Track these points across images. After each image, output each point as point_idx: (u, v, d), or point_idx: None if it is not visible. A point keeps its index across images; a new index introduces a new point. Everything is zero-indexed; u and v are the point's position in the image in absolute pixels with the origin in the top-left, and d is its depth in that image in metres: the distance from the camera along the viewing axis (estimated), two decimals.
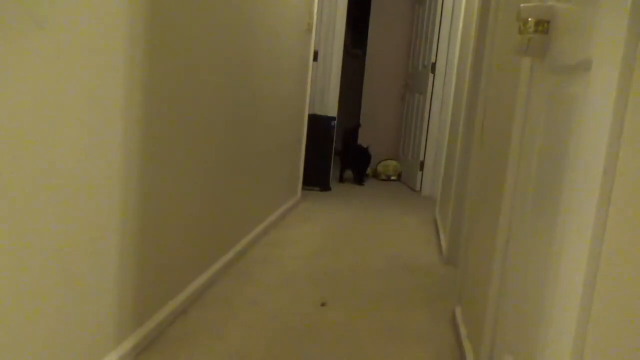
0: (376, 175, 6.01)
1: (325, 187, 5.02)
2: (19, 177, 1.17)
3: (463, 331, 2.06)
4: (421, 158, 5.36)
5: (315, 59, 4.71)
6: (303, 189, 4.59)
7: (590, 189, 0.87)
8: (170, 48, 1.81)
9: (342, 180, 5.60)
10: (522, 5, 1.26)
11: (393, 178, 6.04)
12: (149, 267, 1.83)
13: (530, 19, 1.23)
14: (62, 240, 1.33)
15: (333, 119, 5.02)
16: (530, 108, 1.38)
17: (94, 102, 1.40)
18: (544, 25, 1.22)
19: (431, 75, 5.16)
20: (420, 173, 5.39)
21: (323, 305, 2.34)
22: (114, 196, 1.55)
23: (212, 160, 2.33)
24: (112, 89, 1.48)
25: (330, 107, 5.29)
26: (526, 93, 1.39)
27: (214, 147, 2.33)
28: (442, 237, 3.52)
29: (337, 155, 6.39)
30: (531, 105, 1.37)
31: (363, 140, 6.39)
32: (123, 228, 1.62)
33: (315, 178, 4.92)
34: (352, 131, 5.82)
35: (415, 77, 5.71)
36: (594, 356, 0.81)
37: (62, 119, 1.28)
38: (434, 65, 5.13)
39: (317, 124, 4.82)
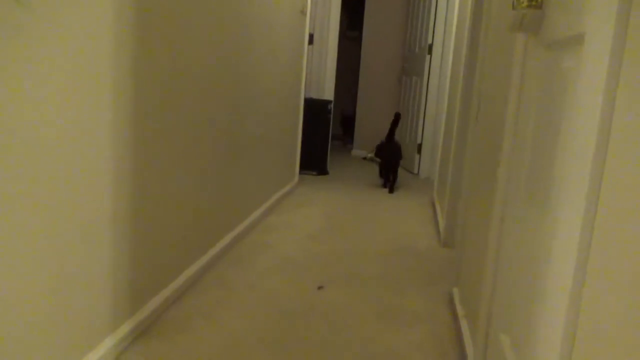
0: (373, 159, 5.99)
1: (322, 171, 5.01)
2: (4, 164, 1.15)
3: (460, 311, 2.07)
4: (418, 140, 5.34)
5: (311, 42, 4.67)
6: (300, 173, 4.58)
7: (582, 165, 0.86)
8: (163, 31, 1.79)
9: (386, 185, 4.68)
10: None
11: None
12: (144, 253, 1.82)
13: None
14: (52, 227, 1.32)
15: (329, 102, 4.99)
16: (525, 85, 1.36)
17: (82, 82, 1.38)
18: (537, 0, 1.20)
19: (428, 57, 5.12)
20: (417, 155, 5.38)
21: (320, 288, 2.35)
22: (105, 182, 1.54)
23: (207, 144, 2.31)
24: (102, 71, 1.46)
25: (327, 91, 5.26)
26: (520, 70, 1.38)
27: (209, 131, 2.31)
28: (439, 219, 3.52)
29: (337, 139, 6.37)
30: (525, 82, 1.36)
31: (364, 124, 6.37)
32: (115, 214, 1.61)
33: (313, 162, 4.91)
34: (394, 123, 4.63)
35: (412, 59, 5.67)
36: (586, 334, 0.80)
37: (48, 101, 1.26)
38: (430, 47, 5.09)
39: (314, 107, 4.80)
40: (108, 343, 1.62)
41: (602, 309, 0.75)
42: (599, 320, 0.76)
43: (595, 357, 0.76)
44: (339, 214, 3.71)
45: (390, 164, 4.58)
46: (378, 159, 4.59)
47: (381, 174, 4.76)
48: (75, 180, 1.39)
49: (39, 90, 1.22)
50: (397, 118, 4.62)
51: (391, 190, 4.50)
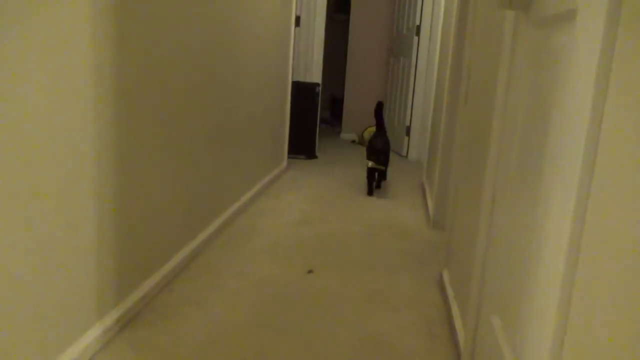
0: (362, 142, 5.97)
1: (310, 155, 4.98)
2: None
3: (450, 293, 2.07)
4: (407, 123, 5.32)
5: (297, 24, 4.61)
6: (288, 157, 4.55)
7: (575, 144, 0.84)
8: (146, 13, 1.73)
9: (372, 185, 3.91)
10: None
11: None
12: (129, 240, 1.79)
13: None
14: (32, 215, 1.28)
15: (317, 85, 4.95)
16: (515, 64, 1.34)
17: (62, 68, 1.33)
18: None
19: (415, 38, 5.08)
20: (406, 138, 5.36)
21: (309, 272, 2.33)
22: (88, 167, 1.50)
23: (194, 128, 2.27)
24: (82, 50, 1.41)
25: (314, 74, 5.21)
26: (510, 48, 1.35)
27: (195, 116, 2.27)
28: (429, 201, 3.51)
29: (326, 123, 6.33)
30: (515, 61, 1.33)
31: (352, 107, 6.33)
32: (99, 200, 1.57)
33: (301, 146, 4.88)
34: (378, 111, 4.07)
35: (400, 41, 5.62)
36: (578, 315, 0.79)
37: (28, 89, 1.22)
38: (418, 28, 5.05)
39: (301, 91, 4.75)
40: (94, 332, 1.60)
41: (596, 287, 0.74)
42: (592, 301, 0.75)
43: (588, 338, 0.75)
44: (328, 197, 3.70)
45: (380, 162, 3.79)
46: (380, 166, 3.80)
47: (370, 179, 3.90)
48: (57, 165, 1.35)
49: (18, 77, 1.18)
50: (379, 107, 4.06)
51: (378, 186, 4.01)
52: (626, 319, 0.64)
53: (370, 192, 3.86)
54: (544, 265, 0.99)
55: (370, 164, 3.77)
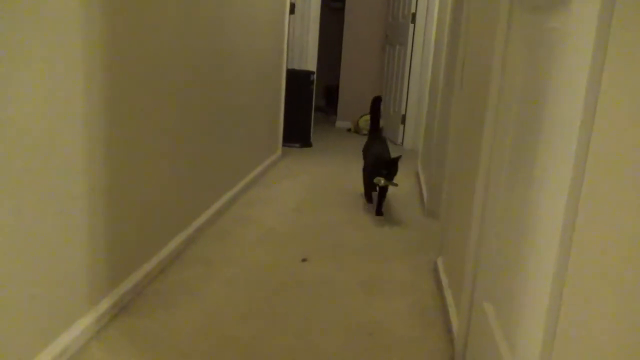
0: (357, 130, 5.95)
1: (305, 143, 4.97)
2: None
3: (444, 281, 2.07)
4: (402, 111, 5.31)
5: (292, 11, 4.57)
6: (283, 145, 4.53)
7: (570, 129, 0.83)
8: (139, 1, 1.71)
9: (372, 200, 3.23)
10: None
11: None
12: (122, 227, 1.78)
13: None
14: (21, 200, 1.27)
15: (312, 73, 4.92)
16: (510, 49, 1.33)
17: (54, 52, 1.31)
18: None
19: (411, 26, 5.04)
20: (401, 126, 5.35)
21: (304, 260, 2.33)
22: (80, 154, 1.48)
23: (187, 117, 2.25)
24: (73, 34, 1.39)
25: (309, 62, 5.17)
26: (505, 33, 1.34)
27: (188, 104, 2.25)
28: (423, 189, 3.51)
29: (321, 111, 6.30)
30: (510, 46, 1.32)
31: (347, 95, 6.30)
32: (91, 187, 1.56)
33: (296, 134, 4.85)
34: (375, 107, 3.40)
35: (395, 28, 5.59)
36: (571, 301, 0.79)
37: (20, 76, 1.20)
38: (414, 15, 5.01)
39: (296, 78, 4.72)
40: (86, 320, 1.59)
41: (587, 276, 0.73)
42: (585, 287, 0.74)
43: (581, 324, 0.74)
44: (322, 186, 3.69)
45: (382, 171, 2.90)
46: (393, 182, 2.93)
47: (367, 191, 3.24)
48: (47, 152, 1.34)
49: (11, 63, 1.16)
50: (376, 103, 3.39)
51: (379, 212, 3.06)
52: (618, 306, 0.63)
53: (369, 200, 3.22)
54: (536, 252, 0.98)
55: (382, 181, 2.86)
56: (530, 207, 1.05)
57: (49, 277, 1.41)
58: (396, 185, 2.95)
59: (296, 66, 5.05)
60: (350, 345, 1.71)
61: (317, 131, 5.56)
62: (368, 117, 5.96)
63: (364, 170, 3.23)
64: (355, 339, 1.74)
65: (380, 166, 2.92)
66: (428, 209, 3.11)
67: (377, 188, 3.00)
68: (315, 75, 4.95)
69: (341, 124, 6.31)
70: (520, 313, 1.06)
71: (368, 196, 3.26)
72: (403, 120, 5.33)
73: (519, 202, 1.14)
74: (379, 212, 3.06)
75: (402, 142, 5.36)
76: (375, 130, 3.43)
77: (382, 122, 5.90)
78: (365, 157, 3.30)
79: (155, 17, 1.88)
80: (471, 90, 1.87)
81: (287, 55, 4.42)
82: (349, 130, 6.15)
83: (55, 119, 1.36)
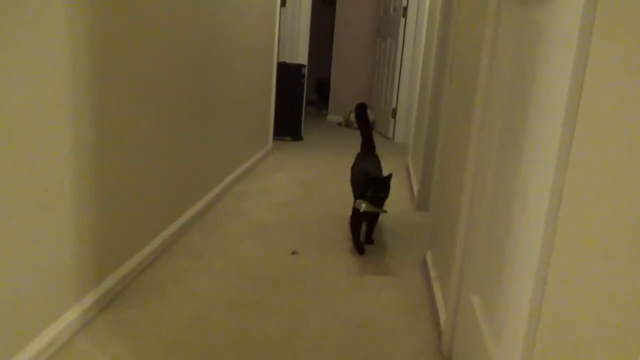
0: (348, 124, 5.95)
1: (296, 136, 4.96)
2: None
3: (432, 274, 2.08)
4: (393, 105, 5.31)
5: (283, 3, 4.55)
6: (274, 139, 4.52)
7: (555, 121, 0.84)
8: None
9: (358, 241, 2.42)
10: None
11: None
12: (110, 220, 1.77)
13: None
14: (5, 193, 1.26)
15: (303, 66, 4.90)
16: (498, 42, 1.33)
17: (39, 41, 1.30)
18: None
19: (402, 19, 5.04)
20: (392, 120, 5.35)
21: (293, 253, 2.33)
22: (66, 146, 1.47)
23: (179, 109, 2.23)
24: (58, 24, 1.38)
25: (300, 55, 5.15)
26: (493, 25, 1.34)
27: (178, 96, 2.24)
28: (413, 183, 3.52)
29: (311, 104, 6.29)
30: (499, 38, 1.32)
31: (339, 89, 6.29)
32: (77, 180, 1.55)
33: (287, 128, 4.84)
34: (361, 116, 2.78)
35: (387, 22, 5.58)
36: (555, 291, 0.79)
37: (5, 66, 1.19)
38: (405, 9, 5.01)
39: (287, 72, 4.70)
40: (73, 313, 1.58)
41: (570, 267, 0.74)
42: (569, 277, 0.75)
43: (563, 316, 0.75)
44: (313, 179, 3.69)
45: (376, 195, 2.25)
46: (381, 209, 2.30)
47: (354, 227, 2.42)
48: (35, 144, 1.33)
49: None
50: (362, 111, 2.76)
51: (369, 239, 2.49)
52: (600, 298, 0.64)
53: (359, 250, 2.38)
54: (521, 244, 0.99)
55: (364, 205, 2.22)
56: (516, 200, 1.06)
57: (35, 270, 1.40)
58: (385, 212, 2.32)
59: (287, 59, 5.03)
60: (339, 336, 1.71)
61: (308, 125, 5.55)
62: None
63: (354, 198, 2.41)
64: (344, 330, 1.75)
65: (365, 185, 2.25)
66: (418, 202, 3.12)
67: (364, 214, 2.30)
68: (306, 69, 4.94)
69: (332, 117, 6.31)
70: (505, 304, 1.07)
71: (355, 236, 2.41)
72: (394, 114, 5.33)
73: (505, 195, 1.15)
74: (367, 241, 2.45)
75: (393, 136, 5.37)
76: (367, 145, 2.72)
77: (372, 116, 5.89)
78: (352, 181, 2.59)
79: (145, 8, 1.86)
80: (460, 84, 1.87)
81: (278, 48, 4.40)
82: (340, 124, 6.14)
83: (43, 110, 1.35)
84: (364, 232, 2.50)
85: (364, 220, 2.47)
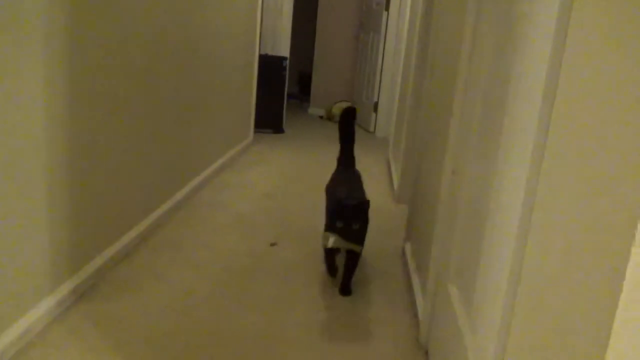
0: (330, 117, 5.95)
1: (278, 129, 4.94)
2: None
3: (411, 265, 2.09)
4: (375, 99, 5.32)
5: None
6: (255, 131, 4.50)
7: (531, 113, 0.85)
8: None
9: (332, 269, 2.05)
10: None
11: None
12: (85, 210, 1.75)
13: None
14: None
15: (284, 59, 4.88)
16: (478, 35, 1.33)
17: (11, 40, 1.27)
18: None
19: (385, 13, 5.04)
20: (374, 114, 5.36)
21: (273, 244, 2.32)
22: (39, 136, 1.44)
23: (156, 99, 2.21)
24: (33, 25, 1.35)
25: (282, 47, 5.13)
26: (474, 19, 1.35)
27: (160, 87, 2.21)
28: (394, 176, 3.53)
29: (294, 98, 6.26)
30: (478, 32, 1.33)
31: (320, 82, 6.28)
32: (52, 169, 1.52)
33: (268, 120, 4.82)
34: (346, 123, 2.33)
35: (369, 15, 5.58)
36: (529, 282, 0.80)
37: None
38: (388, 3, 5.01)
39: (269, 64, 4.68)
40: (47, 302, 1.56)
41: (543, 259, 0.75)
42: (540, 270, 0.76)
43: (536, 303, 0.76)
44: (293, 172, 3.68)
45: (348, 225, 1.80)
46: (353, 245, 1.88)
47: (328, 258, 2.05)
48: (7, 132, 1.30)
49: None
50: (349, 117, 2.31)
51: (346, 290, 1.94)
52: (571, 287, 0.65)
53: (331, 272, 2.04)
54: (497, 236, 1.00)
55: (332, 239, 1.82)
56: (492, 193, 1.07)
57: (8, 260, 1.37)
58: (359, 249, 1.87)
59: (269, 51, 5.01)
60: (319, 327, 1.71)
61: (290, 118, 5.54)
62: (341, 103, 5.95)
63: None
64: (324, 321, 1.75)
65: (334, 213, 1.79)
66: (398, 195, 3.14)
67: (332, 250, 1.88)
68: (288, 61, 4.92)
69: (314, 110, 6.30)
70: (482, 295, 1.08)
71: (329, 264, 2.03)
72: (375, 107, 5.34)
73: (482, 189, 1.16)
74: (344, 290, 1.93)
75: (375, 130, 5.38)
76: (347, 161, 2.27)
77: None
78: (326, 205, 2.13)
79: (124, 1, 1.83)
80: (441, 78, 1.88)
81: (260, 40, 4.37)
82: (322, 117, 6.14)
83: (19, 103, 1.32)
84: (341, 272, 1.97)
85: (337, 257, 1.99)
